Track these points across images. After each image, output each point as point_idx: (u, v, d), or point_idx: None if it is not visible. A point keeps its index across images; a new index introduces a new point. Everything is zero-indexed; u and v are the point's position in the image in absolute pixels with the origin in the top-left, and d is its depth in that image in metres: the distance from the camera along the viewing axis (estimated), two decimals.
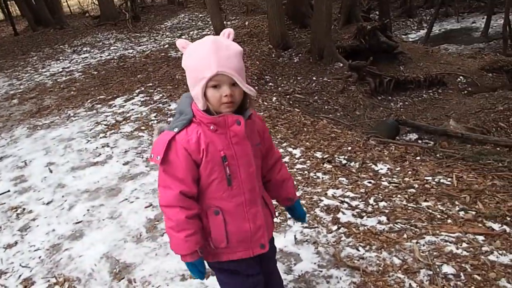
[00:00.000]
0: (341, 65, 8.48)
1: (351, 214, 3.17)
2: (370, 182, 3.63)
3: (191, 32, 12.22)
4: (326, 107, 7.33)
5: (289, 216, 3.19)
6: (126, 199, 3.84)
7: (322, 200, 3.38)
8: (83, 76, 8.80)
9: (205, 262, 1.78)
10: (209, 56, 1.46)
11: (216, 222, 1.68)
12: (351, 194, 3.44)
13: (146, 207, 3.62)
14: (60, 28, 15.68)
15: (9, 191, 4.36)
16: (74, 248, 3.29)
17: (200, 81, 1.48)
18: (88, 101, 6.98)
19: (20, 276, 3.10)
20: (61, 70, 9.74)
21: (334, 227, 3.03)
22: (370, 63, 8.28)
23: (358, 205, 3.29)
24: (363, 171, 3.89)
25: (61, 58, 11.19)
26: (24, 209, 3.99)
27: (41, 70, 10.14)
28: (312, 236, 2.96)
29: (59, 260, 3.19)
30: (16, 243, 3.51)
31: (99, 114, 6.19)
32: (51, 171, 4.61)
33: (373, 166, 4.01)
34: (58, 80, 8.80)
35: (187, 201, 1.62)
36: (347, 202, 3.32)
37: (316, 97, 7.53)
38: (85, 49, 11.86)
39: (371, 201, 3.33)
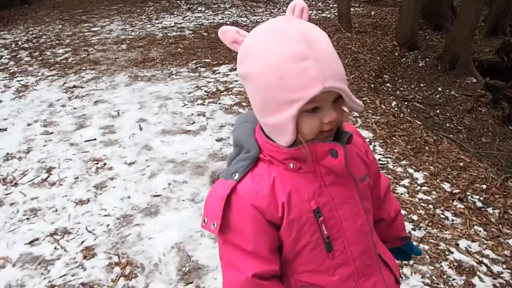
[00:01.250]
0: (475, 80, 7.33)
1: (492, 284, 2.38)
2: None
3: (310, 12, 11.50)
4: (448, 124, 6.33)
5: (405, 262, 2.49)
6: None
7: (452, 252, 2.61)
8: (192, 35, 8.52)
9: None
10: (304, 61, 0.85)
11: None
12: (492, 255, 2.64)
13: None
14: None
15: (95, 139, 4.09)
16: (146, 226, 2.88)
17: (292, 104, 0.88)
18: (193, 62, 6.62)
19: (82, 242, 2.75)
20: (173, 25, 9.57)
21: None
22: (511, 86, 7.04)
23: (502, 273, 2.49)
24: (505, 224, 3.04)
25: (175, 13, 11.07)
26: (105, 163, 3.67)
27: (154, 21, 10.06)
28: None
29: (127, 236, 2.79)
30: (88, 200, 3.18)
31: (201, 78, 5.79)
32: (141, 129, 4.27)
33: None
34: (168, 34, 8.60)
35: (265, 285, 1.00)
36: (486, 265, 2.53)
37: (438, 111, 6.54)
38: (200, 8, 11.65)
39: None
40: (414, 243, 2.67)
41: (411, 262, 2.50)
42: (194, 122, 4.39)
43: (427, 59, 7.97)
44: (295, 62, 0.85)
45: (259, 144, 1.00)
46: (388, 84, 6.91)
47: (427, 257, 2.56)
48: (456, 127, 6.36)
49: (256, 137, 1.01)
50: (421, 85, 7.16)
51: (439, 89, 7.08)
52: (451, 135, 5.99)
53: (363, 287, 1.06)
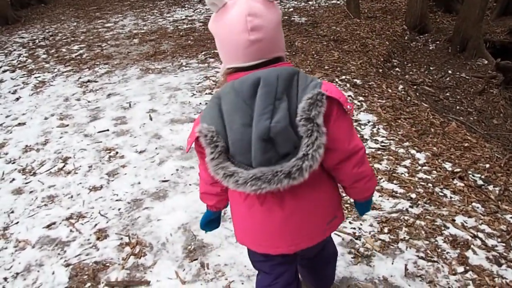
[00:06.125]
0: (486, 62, 7.27)
1: (485, 257, 2.46)
2: None
3: (318, 0, 11.48)
4: (458, 107, 6.32)
5: (401, 237, 2.60)
6: None
7: (448, 228, 2.69)
8: (203, 27, 8.64)
9: None
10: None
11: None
12: (488, 229, 2.71)
13: None
14: None
15: (108, 130, 4.26)
16: (155, 209, 3.03)
17: None
18: (202, 53, 6.75)
19: (96, 225, 2.92)
20: (184, 17, 9.71)
21: (460, 268, 2.36)
22: None
23: (496, 246, 2.56)
24: (505, 201, 3.09)
25: (186, 6, 11.20)
26: (117, 152, 3.84)
27: (166, 14, 10.21)
28: (428, 272, 2.33)
29: (137, 219, 2.95)
30: (101, 187, 3.36)
31: (210, 69, 5.92)
32: (151, 119, 4.43)
33: None
34: (179, 27, 8.74)
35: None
36: (481, 239, 2.60)
37: (448, 94, 6.53)
38: None
39: None
40: (411, 219, 2.77)
41: (407, 237, 2.60)
42: (201, 111, 4.52)
43: (438, 42, 7.92)
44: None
45: None
46: (397, 69, 6.91)
47: (423, 232, 2.65)
48: (466, 110, 6.35)
49: None
50: (431, 68, 7.14)
51: (449, 71, 7.06)
52: (461, 118, 5.99)
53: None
